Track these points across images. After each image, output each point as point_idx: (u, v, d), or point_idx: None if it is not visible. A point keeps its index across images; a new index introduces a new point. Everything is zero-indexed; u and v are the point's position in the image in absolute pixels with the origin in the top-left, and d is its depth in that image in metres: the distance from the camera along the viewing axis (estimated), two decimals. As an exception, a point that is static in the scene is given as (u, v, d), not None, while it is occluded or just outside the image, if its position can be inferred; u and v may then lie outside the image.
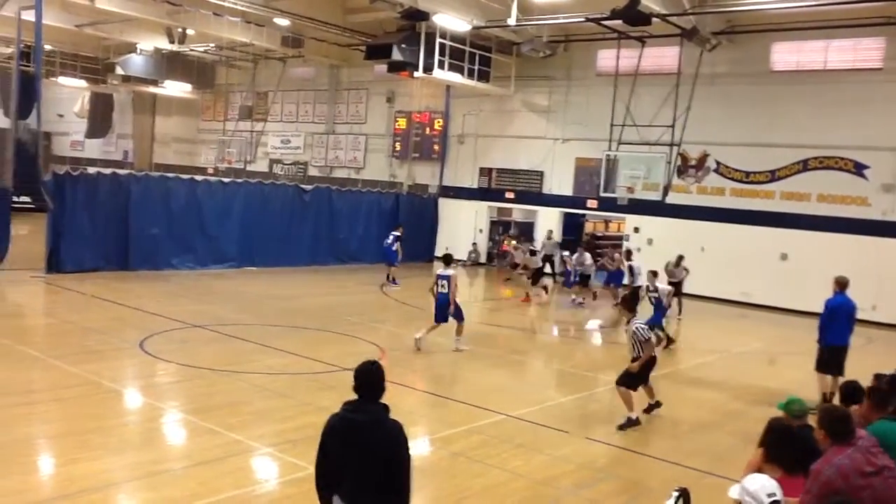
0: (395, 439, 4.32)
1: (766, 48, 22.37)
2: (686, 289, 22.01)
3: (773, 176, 22.48)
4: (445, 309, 13.41)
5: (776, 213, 22.21)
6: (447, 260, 13.79)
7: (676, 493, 4.46)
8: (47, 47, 26.44)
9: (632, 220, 25.08)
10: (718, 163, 23.42)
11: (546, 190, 26.91)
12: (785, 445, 4.86)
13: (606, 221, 31.15)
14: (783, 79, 22.10)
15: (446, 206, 28.91)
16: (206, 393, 10.09)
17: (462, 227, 28.49)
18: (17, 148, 22.76)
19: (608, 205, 24.74)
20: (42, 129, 22.25)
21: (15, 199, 19.36)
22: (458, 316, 13.64)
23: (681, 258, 20.09)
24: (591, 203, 25.70)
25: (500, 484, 7.60)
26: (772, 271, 22.05)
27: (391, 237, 21.24)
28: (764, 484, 3.99)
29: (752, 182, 22.85)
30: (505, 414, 9.80)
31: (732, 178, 23.21)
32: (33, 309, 16.17)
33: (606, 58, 24.91)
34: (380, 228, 24.80)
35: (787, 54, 22.29)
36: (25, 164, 22.13)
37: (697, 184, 23.81)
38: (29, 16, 20.54)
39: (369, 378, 4.41)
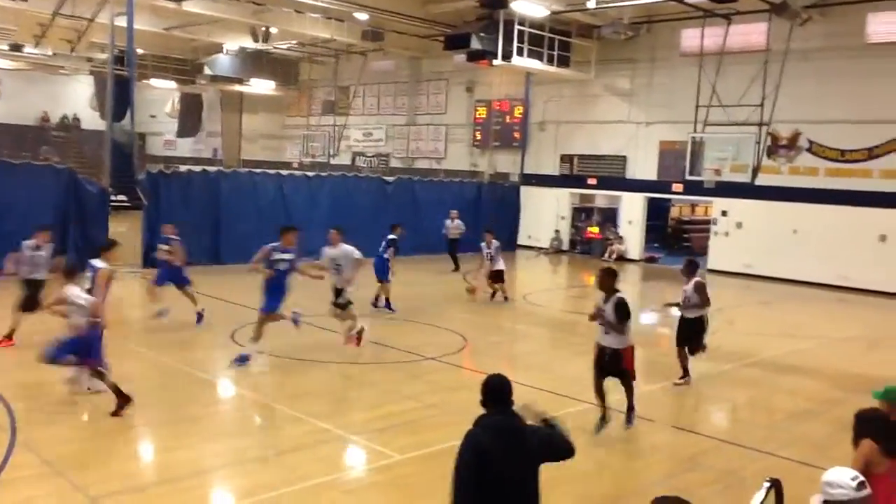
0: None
1: (860, 20, 21.33)
2: (779, 273, 21.40)
3: (871, 154, 21.44)
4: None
5: (874, 193, 21.18)
6: (104, 247, 9.67)
7: (768, 484, 4.30)
8: (139, 51, 27.43)
9: (720, 203, 24.38)
10: (811, 141, 22.49)
11: (629, 175, 26.42)
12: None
13: (693, 205, 30.43)
14: (880, 51, 21.02)
15: (528, 194, 28.73)
16: (295, 382, 10.33)
17: (544, 214, 28.28)
18: (113, 148, 23.71)
19: (694, 188, 24.12)
20: (136, 130, 23.11)
21: (112, 197, 20.15)
22: (89, 351, 8.57)
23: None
24: (677, 187, 25.09)
25: (586, 474, 7.52)
26: (870, 254, 21.08)
27: (384, 242, 15.82)
28: (844, 470, 3.87)
29: (848, 161, 21.86)
30: (589, 402, 9.69)
31: (827, 157, 22.26)
32: (130, 303, 16.83)
33: (691, 37, 24.24)
34: (462, 218, 24.85)
35: (883, 25, 21.17)
36: (121, 164, 23.04)
37: (789, 164, 22.93)
38: (121, 22, 21.38)
39: (504, 389, 4.47)
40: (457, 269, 21.34)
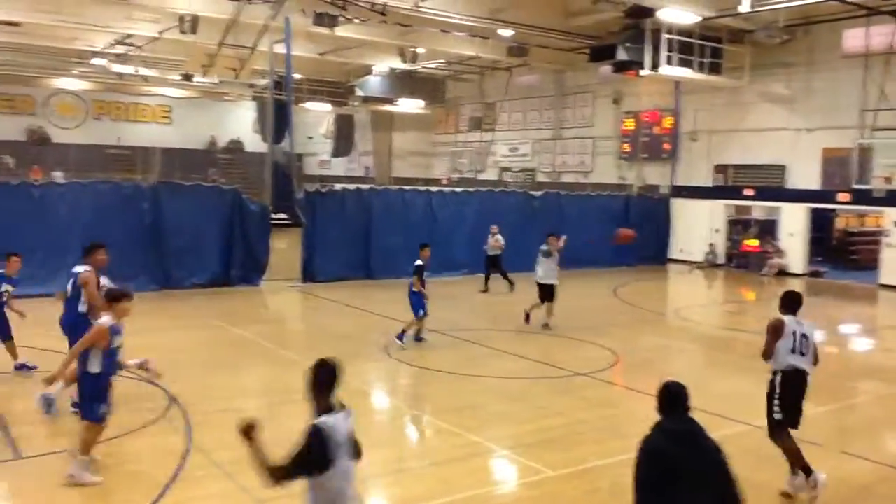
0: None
1: None
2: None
3: None
4: (71, 328, 8.44)
5: None
6: (86, 250, 8.79)
7: None
8: (296, 76, 28.83)
9: (892, 213, 22.69)
10: None
11: (790, 184, 25.08)
12: None
13: (861, 216, 28.52)
14: None
15: (679, 207, 27.87)
16: (445, 395, 10.49)
17: (697, 227, 27.31)
18: (274, 169, 25.06)
19: (863, 197, 22.60)
20: (294, 151, 24.27)
21: (273, 215, 21.26)
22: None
23: None
24: (843, 196, 23.55)
25: (747, 499, 7.20)
26: None
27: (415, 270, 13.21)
28: None
29: None
30: (748, 423, 9.27)
31: None
32: (291, 315, 17.71)
33: (854, 37, 22.80)
34: (609, 232, 24.48)
35: None
36: (281, 184, 24.31)
37: (971, 169, 21.06)
38: (280, 49, 22.62)
39: (681, 395, 4.50)
40: (511, 287, 19.63)
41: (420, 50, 29.61)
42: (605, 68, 26.05)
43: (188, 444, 7.99)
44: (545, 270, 15.05)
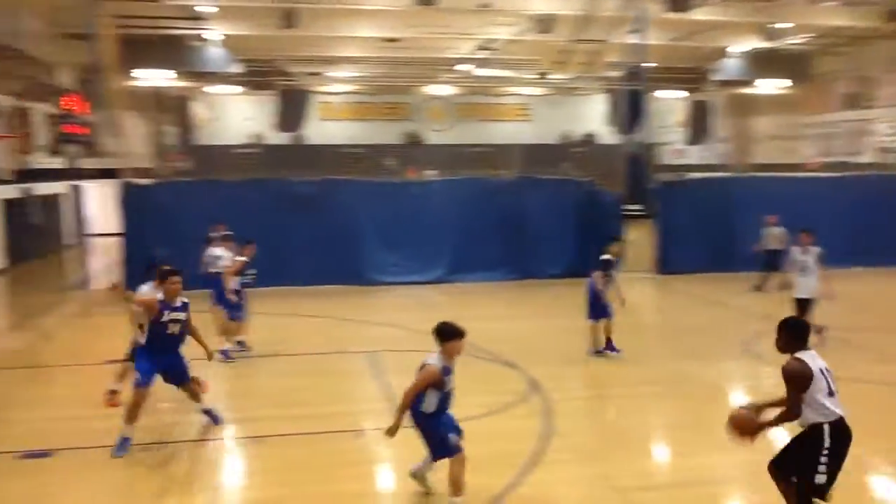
0: None
1: None
2: None
3: None
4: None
5: None
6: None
7: None
8: (649, 64, 28.49)
9: None
10: None
11: None
12: None
13: None
14: None
15: None
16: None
17: None
18: (627, 160, 25.11)
19: None
20: (648, 141, 24.04)
21: (625, 206, 21.27)
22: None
23: None
24: None
25: None
26: None
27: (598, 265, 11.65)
28: None
29: None
30: None
31: None
32: (644, 307, 17.57)
33: None
34: None
35: None
36: (635, 174, 24.26)
37: None
38: (632, 39, 22.55)
39: None
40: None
41: (783, 25, 27.54)
42: None
43: (548, 427, 8.36)
44: (799, 281, 11.66)
